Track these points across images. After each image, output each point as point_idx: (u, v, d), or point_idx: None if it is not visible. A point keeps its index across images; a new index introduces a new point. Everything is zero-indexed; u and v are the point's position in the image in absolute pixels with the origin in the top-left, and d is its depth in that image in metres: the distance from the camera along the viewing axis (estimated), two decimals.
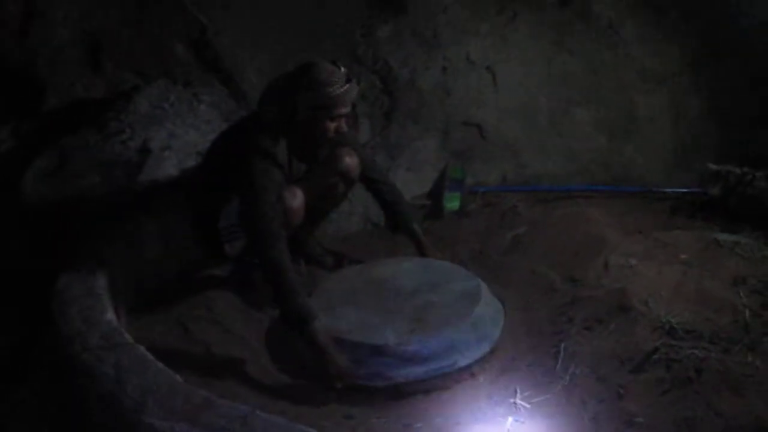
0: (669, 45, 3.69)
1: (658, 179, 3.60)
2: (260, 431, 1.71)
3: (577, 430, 2.04)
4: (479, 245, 3.25)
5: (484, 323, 2.52)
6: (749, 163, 3.27)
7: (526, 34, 3.75)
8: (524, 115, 3.77)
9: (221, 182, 2.65)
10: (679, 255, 2.78)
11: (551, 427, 2.06)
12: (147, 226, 2.90)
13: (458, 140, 3.78)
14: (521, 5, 3.73)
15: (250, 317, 2.81)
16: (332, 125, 2.60)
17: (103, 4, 3.37)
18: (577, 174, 3.72)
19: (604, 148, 3.74)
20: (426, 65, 3.70)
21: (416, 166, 3.69)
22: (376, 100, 3.69)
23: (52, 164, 3.01)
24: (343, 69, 2.55)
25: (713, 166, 3.30)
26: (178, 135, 3.18)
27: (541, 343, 2.56)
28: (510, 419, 2.07)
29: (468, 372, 2.47)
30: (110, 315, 2.21)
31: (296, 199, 2.67)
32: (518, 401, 2.21)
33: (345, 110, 2.60)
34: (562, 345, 2.43)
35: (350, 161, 2.88)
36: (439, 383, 2.42)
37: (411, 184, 3.65)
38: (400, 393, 2.40)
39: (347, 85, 2.54)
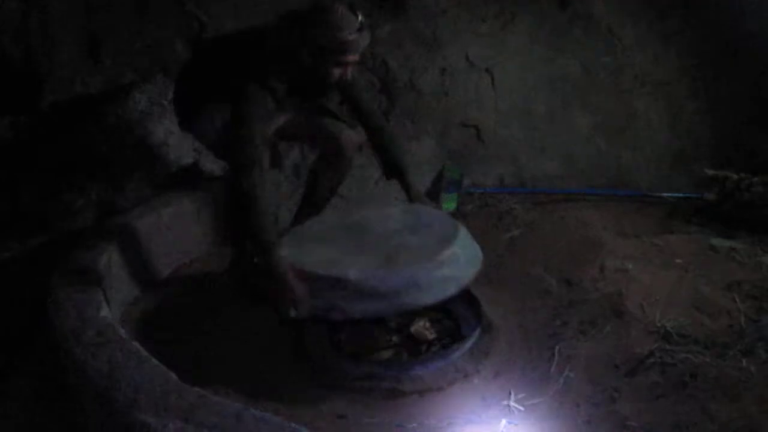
0: (667, 50, 3.69)
1: (655, 183, 3.62)
2: (253, 429, 1.69)
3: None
4: None
5: (453, 265, 2.40)
6: (746, 168, 3.29)
7: (524, 36, 3.76)
8: (522, 117, 3.78)
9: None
10: (675, 259, 2.80)
11: (544, 430, 2.06)
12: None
13: (456, 141, 3.79)
14: (520, 7, 3.73)
15: (250, 314, 2.81)
16: (337, 71, 2.51)
17: (103, 0, 3.36)
18: (574, 177, 3.74)
19: (602, 152, 3.75)
20: (425, 66, 3.70)
21: (414, 166, 3.60)
22: (374, 100, 3.69)
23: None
24: (360, 17, 2.43)
25: (710, 171, 3.31)
26: (176, 131, 3.18)
27: (535, 346, 2.55)
28: (503, 421, 2.07)
29: (461, 373, 2.47)
30: (105, 311, 2.20)
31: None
32: (512, 403, 2.21)
33: (353, 58, 2.51)
34: (557, 348, 2.44)
35: (347, 140, 2.88)
36: (432, 384, 2.42)
37: None
38: (394, 393, 2.39)
39: (358, 33, 2.42)
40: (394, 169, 2.88)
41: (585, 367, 2.30)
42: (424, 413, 2.29)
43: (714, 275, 2.67)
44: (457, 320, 2.81)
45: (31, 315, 2.44)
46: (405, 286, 2.29)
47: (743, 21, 3.52)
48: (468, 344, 2.56)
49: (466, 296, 2.81)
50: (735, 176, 3.17)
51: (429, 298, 2.34)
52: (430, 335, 2.70)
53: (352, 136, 2.89)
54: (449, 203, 3.47)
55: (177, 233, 3.10)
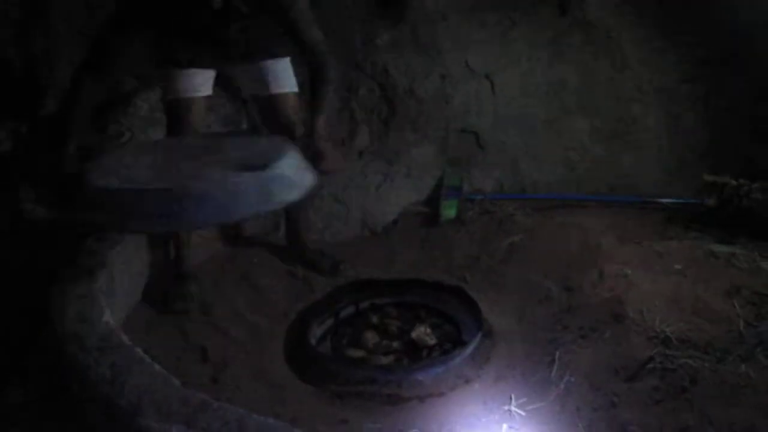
0: (666, 55, 3.70)
1: (654, 189, 3.62)
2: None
3: None
4: (476, 252, 3.25)
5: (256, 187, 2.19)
6: (745, 174, 3.28)
7: (524, 42, 3.77)
8: (522, 124, 3.79)
9: None
10: (675, 265, 2.80)
11: None
12: None
13: (456, 147, 3.79)
14: (520, 14, 3.74)
15: (248, 316, 2.83)
16: None
17: (104, 6, 3.36)
18: (573, 183, 3.75)
19: (601, 158, 3.76)
20: (425, 73, 3.71)
21: (414, 173, 3.70)
22: (375, 107, 3.70)
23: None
24: None
25: (709, 177, 3.30)
26: None
27: (536, 351, 2.56)
28: (505, 426, 2.08)
29: (462, 378, 2.48)
30: (108, 316, 2.21)
31: None
32: (513, 408, 2.22)
33: None
34: (557, 353, 2.44)
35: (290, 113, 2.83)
36: (433, 389, 2.43)
37: (409, 192, 3.67)
38: (396, 399, 2.40)
39: None
40: (311, 108, 2.59)
41: (585, 372, 2.30)
42: (426, 418, 2.30)
43: (713, 281, 2.67)
44: (458, 325, 2.83)
45: (32, 320, 2.44)
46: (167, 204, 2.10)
47: (743, 28, 3.52)
48: (469, 349, 2.58)
49: (467, 301, 2.83)
50: (734, 182, 3.17)
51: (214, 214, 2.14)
52: (431, 341, 2.71)
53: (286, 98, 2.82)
54: (449, 210, 3.48)
55: None
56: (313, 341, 2.72)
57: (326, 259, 3.16)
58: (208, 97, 2.80)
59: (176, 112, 2.71)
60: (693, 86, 3.69)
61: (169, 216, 2.10)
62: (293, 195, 2.25)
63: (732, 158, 3.53)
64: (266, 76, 2.79)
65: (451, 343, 2.73)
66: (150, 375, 1.94)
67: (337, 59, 3.59)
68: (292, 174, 2.26)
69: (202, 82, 2.73)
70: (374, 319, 2.88)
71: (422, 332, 2.74)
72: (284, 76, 2.83)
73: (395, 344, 2.74)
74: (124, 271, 2.70)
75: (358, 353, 2.69)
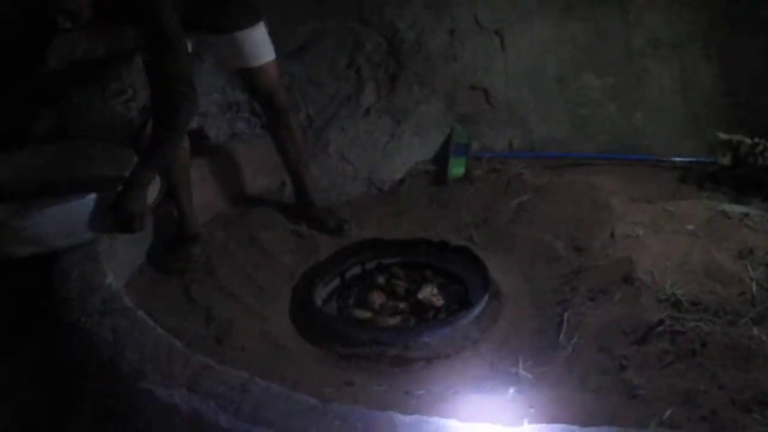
0: (681, 11, 3.59)
1: (666, 148, 3.53)
2: (260, 399, 1.68)
3: (580, 401, 2.01)
4: (484, 212, 3.21)
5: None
6: (760, 133, 3.21)
7: None
8: (532, 80, 3.70)
9: None
10: (687, 225, 2.75)
11: (553, 399, 2.04)
12: None
13: (465, 104, 3.71)
14: None
15: (252, 279, 2.80)
16: None
17: None
18: (584, 141, 3.66)
19: (613, 115, 3.67)
20: (433, 28, 3.62)
21: (422, 130, 3.62)
22: (381, 62, 3.62)
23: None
24: None
25: (723, 136, 3.22)
26: None
27: (544, 313, 2.55)
28: (512, 390, 2.05)
29: (469, 340, 2.46)
30: (111, 279, 2.19)
31: None
32: (520, 371, 2.20)
33: None
34: (566, 315, 2.42)
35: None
36: (440, 351, 2.42)
37: (416, 149, 3.60)
38: (402, 360, 2.39)
39: None
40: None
41: (594, 335, 2.27)
42: (432, 380, 2.29)
43: (726, 242, 2.62)
44: (465, 286, 2.81)
45: (26, 298, 2.42)
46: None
47: None
48: (476, 311, 2.56)
49: (474, 261, 2.80)
50: (749, 141, 3.10)
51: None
52: (438, 301, 2.70)
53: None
54: (457, 168, 3.42)
55: None
56: (318, 302, 2.71)
57: (333, 218, 3.12)
58: None
59: None
60: (707, 42, 3.59)
61: None
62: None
63: (747, 117, 3.44)
64: (242, 49, 2.73)
65: (458, 304, 2.71)
66: (153, 338, 1.93)
67: (344, 15, 3.55)
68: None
69: None
70: (380, 280, 2.87)
71: (429, 293, 2.73)
72: (261, 45, 2.77)
73: (402, 305, 2.73)
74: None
75: (364, 314, 2.68)
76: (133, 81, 3.10)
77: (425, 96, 3.65)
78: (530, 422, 1.67)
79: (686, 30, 3.60)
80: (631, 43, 3.65)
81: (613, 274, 2.52)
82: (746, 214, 2.78)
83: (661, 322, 2.20)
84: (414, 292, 2.76)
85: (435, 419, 1.55)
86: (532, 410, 1.93)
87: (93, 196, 2.29)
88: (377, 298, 2.75)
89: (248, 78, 2.84)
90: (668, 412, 1.84)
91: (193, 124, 3.17)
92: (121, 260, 2.57)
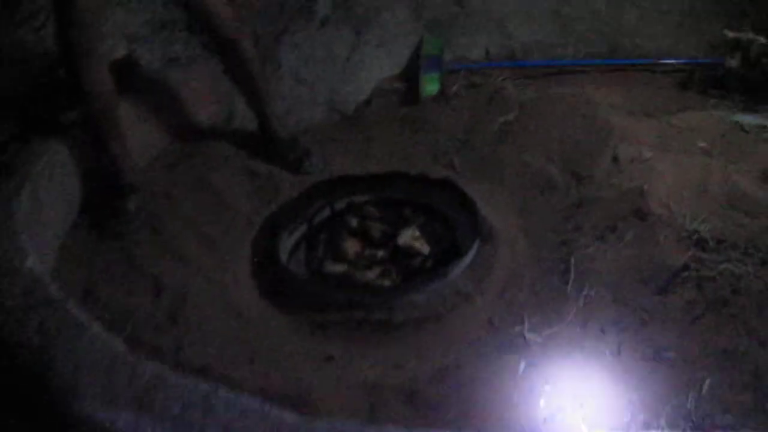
0: None
1: (664, 49, 3.25)
2: (225, 419, 1.39)
3: (599, 369, 1.76)
4: (464, 135, 2.88)
5: None
6: (766, 26, 2.94)
7: None
8: None
9: None
10: (698, 142, 2.53)
11: (569, 369, 1.78)
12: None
13: (433, 8, 3.37)
14: None
15: (206, 233, 2.44)
16: None
17: None
18: (570, 45, 3.37)
19: (601, 13, 3.36)
20: None
21: (386, 41, 3.28)
22: None
23: None
24: None
25: (731, 33, 2.94)
26: None
27: (545, 257, 2.27)
28: (522, 364, 1.77)
29: (462, 295, 2.16)
30: (32, 261, 1.81)
31: None
32: (526, 333, 1.92)
33: None
34: (572, 259, 2.15)
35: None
36: (429, 311, 2.11)
37: (382, 64, 3.28)
38: (387, 325, 2.09)
39: None
40: None
41: (607, 283, 2.03)
42: (423, 347, 2.02)
43: (746, 161, 2.39)
44: (449, 224, 2.49)
45: None
46: None
47: None
48: (467, 258, 2.25)
49: (458, 195, 2.47)
50: (762, 39, 2.81)
51: None
52: (422, 247, 2.38)
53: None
54: (431, 84, 3.08)
55: None
56: (284, 257, 2.37)
57: (296, 149, 2.75)
58: None
59: None
60: None
61: None
62: None
63: (749, 6, 3.16)
64: None
65: (445, 248, 2.39)
66: (88, 340, 1.58)
67: None
68: None
69: None
70: (353, 223, 2.54)
71: (410, 237, 2.42)
72: None
73: (380, 253, 2.42)
74: (53, 190, 2.29)
75: (338, 268, 2.37)
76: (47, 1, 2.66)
77: (388, 0, 3.29)
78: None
79: None
80: None
81: (622, 207, 2.27)
82: (764, 126, 2.52)
83: (685, 267, 1.97)
84: (392, 236, 2.43)
85: None
86: (547, 387, 1.69)
87: None
88: (351, 246, 2.43)
89: (196, 11, 2.53)
90: (707, 382, 1.62)
91: (120, 51, 2.76)
92: (48, 226, 2.19)
